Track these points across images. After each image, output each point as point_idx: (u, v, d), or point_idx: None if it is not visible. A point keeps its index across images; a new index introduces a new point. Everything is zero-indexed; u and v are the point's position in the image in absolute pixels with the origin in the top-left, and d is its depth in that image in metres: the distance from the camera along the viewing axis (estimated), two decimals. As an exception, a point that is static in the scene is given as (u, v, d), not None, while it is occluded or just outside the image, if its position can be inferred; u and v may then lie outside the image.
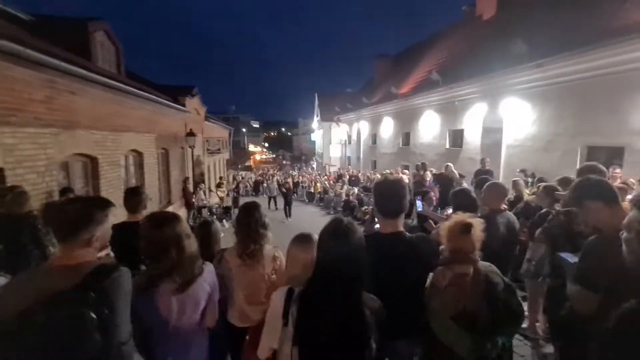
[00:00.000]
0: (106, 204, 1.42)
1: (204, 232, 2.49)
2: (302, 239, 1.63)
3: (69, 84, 5.16)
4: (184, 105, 11.83)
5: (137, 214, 2.74)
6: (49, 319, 1.09)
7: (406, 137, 15.46)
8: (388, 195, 1.71)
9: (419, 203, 3.45)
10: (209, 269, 1.77)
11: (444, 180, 7.15)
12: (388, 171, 13.77)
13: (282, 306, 1.34)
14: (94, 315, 1.12)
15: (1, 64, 3.89)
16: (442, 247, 2.32)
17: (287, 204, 13.27)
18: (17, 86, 4.15)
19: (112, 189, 6.61)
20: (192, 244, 1.66)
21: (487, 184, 2.56)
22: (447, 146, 12.14)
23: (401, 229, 1.73)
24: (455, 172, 7.23)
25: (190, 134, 11.69)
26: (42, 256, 3.40)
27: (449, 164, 7.57)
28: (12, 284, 1.29)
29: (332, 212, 14.96)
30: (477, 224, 1.66)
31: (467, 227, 1.63)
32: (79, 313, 1.11)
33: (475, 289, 1.61)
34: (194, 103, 13.71)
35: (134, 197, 2.79)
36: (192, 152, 12.57)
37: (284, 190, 13.85)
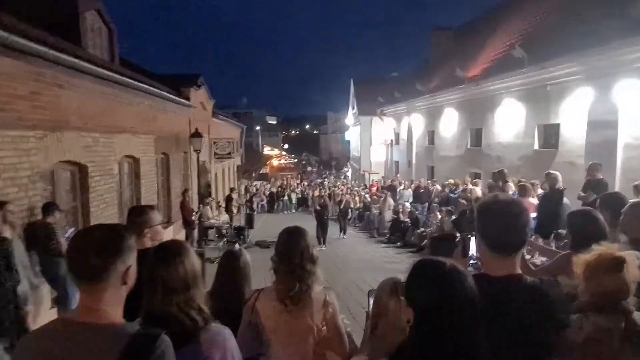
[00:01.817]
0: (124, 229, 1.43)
1: (230, 267, 2.49)
2: (396, 286, 1.57)
3: (57, 76, 5.52)
4: (187, 99, 12.31)
5: (140, 239, 2.82)
6: None
7: (477, 134, 15.21)
8: (502, 224, 1.58)
9: None
10: (219, 335, 1.60)
11: (548, 198, 6.85)
12: (452, 181, 13.59)
13: None
14: None
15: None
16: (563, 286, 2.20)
17: (322, 226, 13.00)
18: (-1, 80, 4.48)
19: (104, 204, 6.93)
20: (200, 293, 1.62)
21: (628, 204, 2.37)
22: (536, 147, 11.80)
23: (519, 270, 1.62)
24: (561, 182, 6.86)
25: (196, 134, 12.06)
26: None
27: (554, 172, 7.19)
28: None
29: (375, 236, 14.85)
30: (632, 259, 1.63)
31: (618, 263, 1.61)
32: None
33: (627, 349, 1.57)
34: (199, 95, 14.24)
35: (137, 217, 2.87)
36: (198, 157, 12.95)
37: (318, 207, 13.77)
